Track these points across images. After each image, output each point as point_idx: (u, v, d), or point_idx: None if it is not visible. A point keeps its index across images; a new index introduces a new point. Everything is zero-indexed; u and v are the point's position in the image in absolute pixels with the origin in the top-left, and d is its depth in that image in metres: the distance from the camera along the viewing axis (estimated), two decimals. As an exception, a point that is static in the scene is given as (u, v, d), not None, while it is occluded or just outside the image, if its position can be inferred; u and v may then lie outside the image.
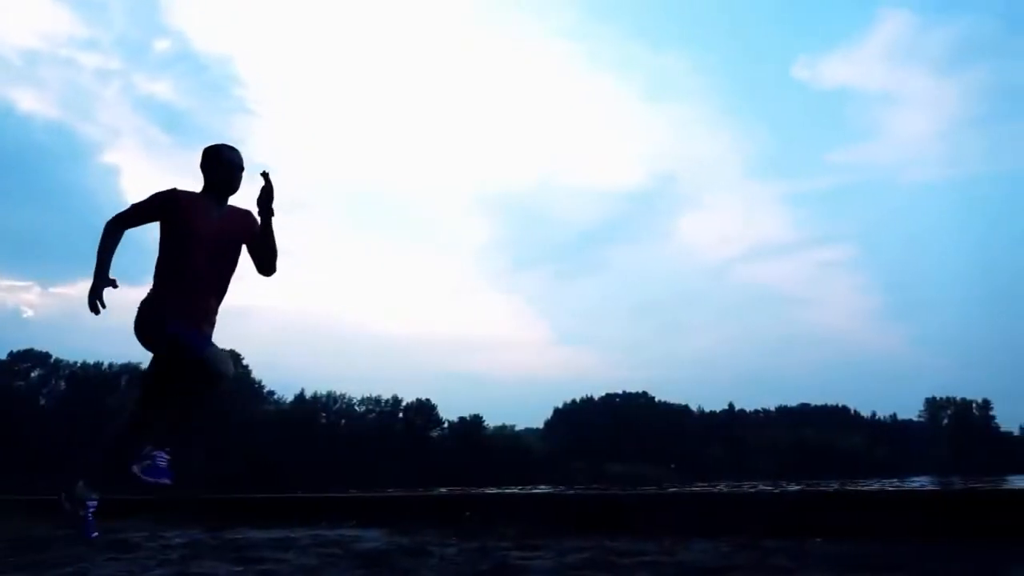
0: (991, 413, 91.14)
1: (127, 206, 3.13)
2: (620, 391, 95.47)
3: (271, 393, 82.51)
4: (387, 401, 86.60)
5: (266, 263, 3.29)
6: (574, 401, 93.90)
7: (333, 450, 71.86)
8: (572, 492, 4.34)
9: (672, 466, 77.24)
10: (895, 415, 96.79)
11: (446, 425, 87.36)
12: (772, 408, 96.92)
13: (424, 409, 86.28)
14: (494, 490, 14.13)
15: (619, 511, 2.91)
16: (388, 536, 3.14)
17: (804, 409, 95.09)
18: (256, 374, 75.36)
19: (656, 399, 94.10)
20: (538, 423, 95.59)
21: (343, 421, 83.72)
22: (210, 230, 3.17)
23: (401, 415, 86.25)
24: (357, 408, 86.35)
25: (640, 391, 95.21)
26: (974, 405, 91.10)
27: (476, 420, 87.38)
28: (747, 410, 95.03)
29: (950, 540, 2.35)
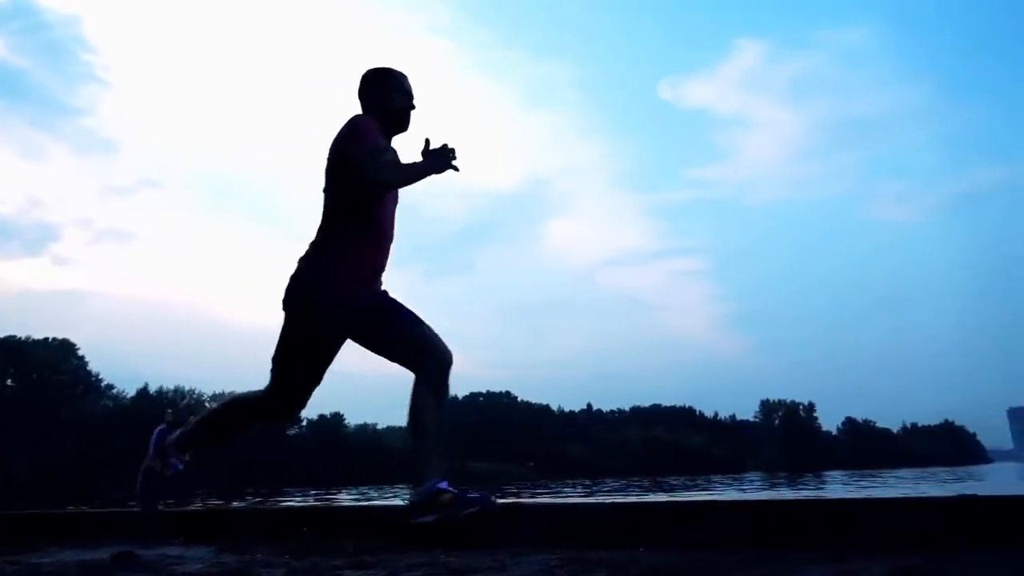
0: (815, 415, 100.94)
1: (366, 148, 2.29)
2: (484, 390, 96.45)
3: (109, 387, 76.01)
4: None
5: None
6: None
7: (179, 449, 67.33)
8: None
9: (531, 464, 79.08)
10: (734, 415, 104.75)
11: (304, 423, 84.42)
12: (627, 408, 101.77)
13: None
14: (337, 502, 13.78)
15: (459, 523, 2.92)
16: (215, 555, 2.97)
17: (656, 409, 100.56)
18: (93, 365, 68.74)
19: (519, 398, 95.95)
20: (401, 422, 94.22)
21: (192, 419, 78.47)
22: None
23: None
24: (208, 404, 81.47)
25: (504, 391, 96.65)
26: (801, 407, 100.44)
27: (336, 418, 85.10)
28: (604, 410, 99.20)
29: (764, 548, 2.50)
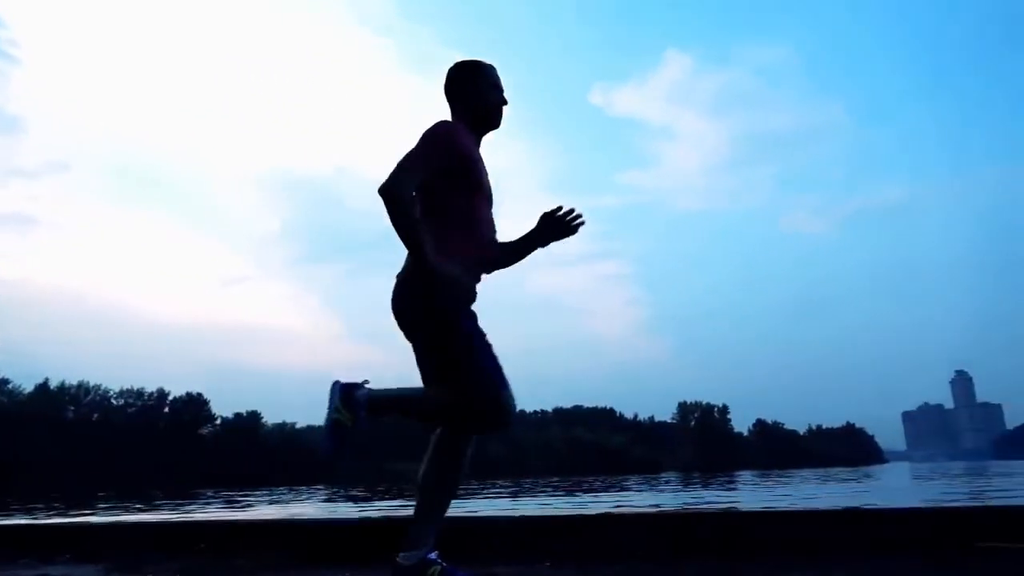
0: (728, 416, 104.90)
1: (410, 160, 2.13)
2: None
3: (5, 382, 71.44)
4: (151, 394, 78.74)
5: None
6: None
7: (83, 448, 63.71)
8: (317, 519, 4.19)
9: (454, 464, 78.96)
10: (653, 417, 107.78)
11: (219, 421, 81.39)
12: (549, 409, 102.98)
13: (194, 403, 79.63)
14: (251, 507, 13.34)
15: (363, 537, 2.84)
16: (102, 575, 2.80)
17: (577, 411, 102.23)
18: (-15, 359, 64.59)
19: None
20: (322, 420, 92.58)
21: (96, 416, 74.55)
22: (487, 179, 2.35)
23: (167, 409, 78.83)
24: (114, 401, 77.45)
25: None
26: (716, 409, 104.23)
27: (253, 416, 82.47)
28: (527, 411, 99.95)
29: (671, 560, 2.55)
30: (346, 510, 11.42)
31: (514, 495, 16.00)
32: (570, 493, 16.77)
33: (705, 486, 19.10)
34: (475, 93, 2.33)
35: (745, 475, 36.93)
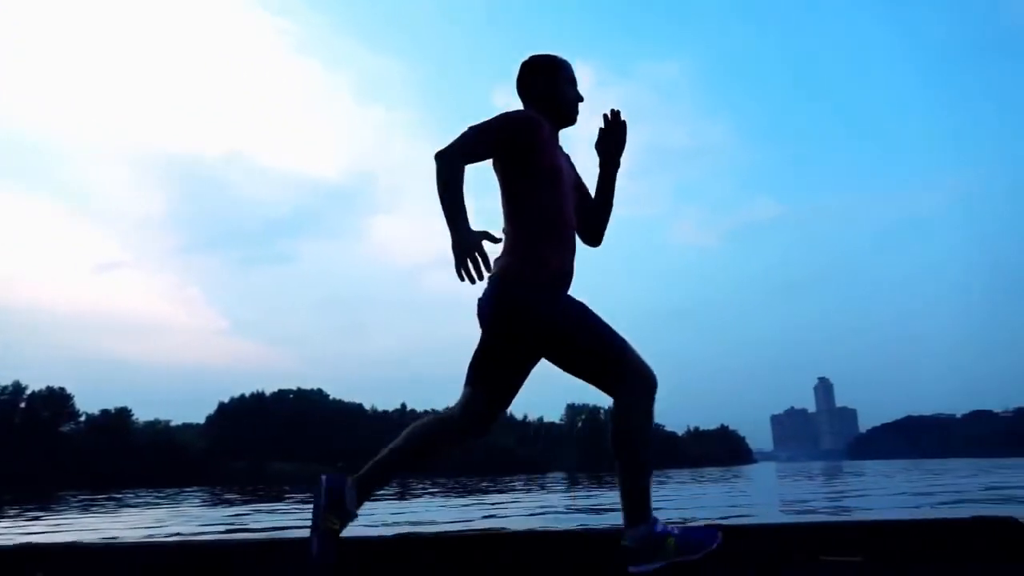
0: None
1: (469, 135, 2.02)
2: (295, 387, 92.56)
3: None
4: (5, 388, 71.96)
5: (599, 228, 2.38)
6: (243, 396, 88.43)
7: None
8: (163, 541, 3.97)
9: (340, 465, 77.03)
10: (542, 418, 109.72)
11: (83, 418, 75.54)
12: (440, 409, 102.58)
13: (55, 399, 73.51)
14: (120, 507, 12.50)
15: (211, 559, 2.65)
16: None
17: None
18: None
19: (331, 397, 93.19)
20: (199, 418, 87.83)
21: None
22: (567, 172, 2.24)
23: (23, 405, 72.28)
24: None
25: (316, 388, 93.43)
26: (602, 412, 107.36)
27: (123, 413, 77.14)
28: (418, 410, 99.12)
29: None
30: (215, 515, 10.95)
31: (400, 495, 15.89)
32: (448, 496, 16.83)
33: (588, 487, 19.69)
34: (553, 88, 2.24)
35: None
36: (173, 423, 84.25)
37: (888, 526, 2.21)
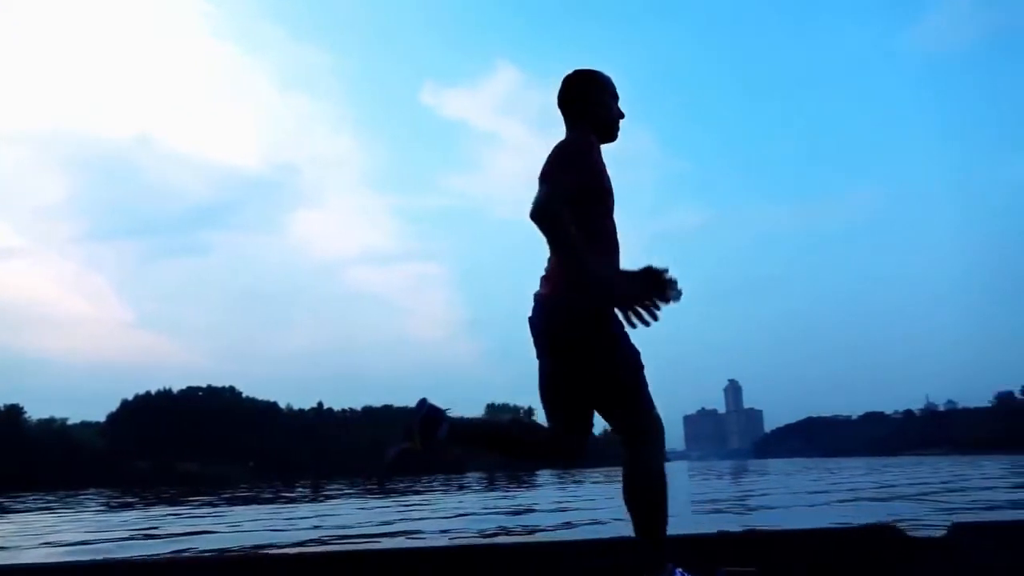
0: (534, 418, 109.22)
1: (550, 179, 1.94)
2: (205, 385, 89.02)
3: None
4: None
5: None
6: (148, 393, 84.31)
7: None
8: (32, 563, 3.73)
9: (251, 464, 74.60)
10: (462, 417, 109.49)
11: (-33, 416, 70.09)
12: (359, 408, 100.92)
13: (-64, 395, 67.91)
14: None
15: None
16: None
17: (388, 410, 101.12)
18: None
19: (244, 394, 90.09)
20: (99, 416, 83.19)
21: (481, 419, 60.22)
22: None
23: None
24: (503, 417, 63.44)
25: (227, 385, 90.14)
26: (523, 411, 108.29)
27: (13, 410, 72.17)
28: (335, 409, 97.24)
29: None
30: (115, 519, 10.44)
31: (313, 499, 15.55)
32: (363, 497, 16.59)
33: (505, 488, 19.81)
34: (598, 104, 2.20)
35: (545, 475, 38.81)
36: (71, 421, 79.42)
37: (781, 536, 2.33)
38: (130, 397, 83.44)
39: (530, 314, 2.12)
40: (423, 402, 2.14)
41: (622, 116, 2.24)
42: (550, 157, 2.04)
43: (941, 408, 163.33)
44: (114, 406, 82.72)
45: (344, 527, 7.44)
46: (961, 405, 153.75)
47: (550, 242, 1.94)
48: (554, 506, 10.14)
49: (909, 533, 2.26)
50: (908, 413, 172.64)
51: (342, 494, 18.00)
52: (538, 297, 2.09)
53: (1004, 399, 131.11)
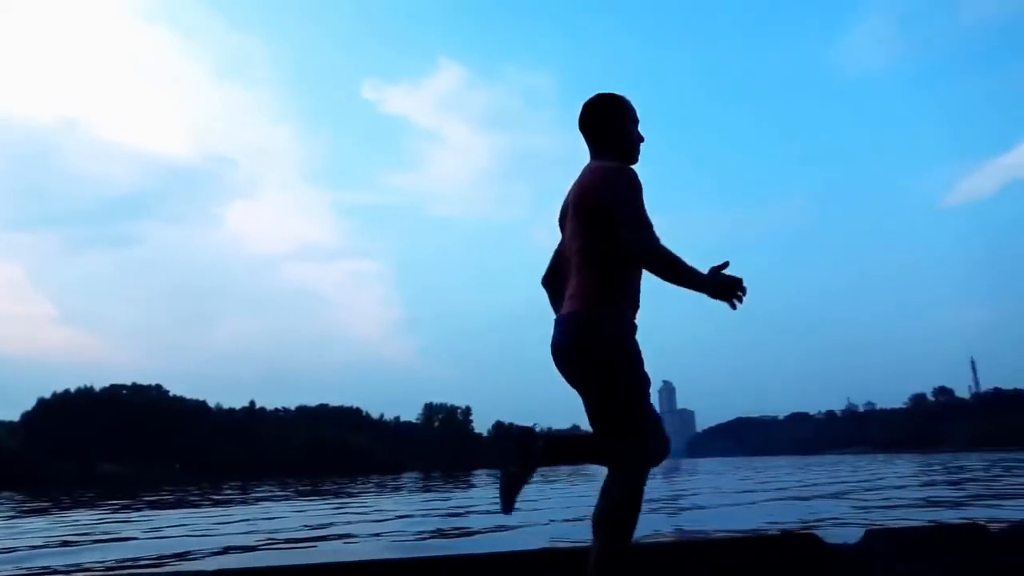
0: (471, 418, 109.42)
1: (643, 219, 2.02)
2: (129, 383, 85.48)
3: None
4: None
5: None
6: (68, 391, 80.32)
7: None
8: None
9: (177, 465, 71.99)
10: (399, 417, 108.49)
11: None
12: (292, 407, 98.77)
13: None
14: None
15: None
16: None
17: (323, 409, 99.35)
18: None
19: (171, 393, 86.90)
20: (13, 415, 78.88)
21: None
22: None
23: None
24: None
25: (154, 384, 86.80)
26: (459, 411, 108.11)
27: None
28: (267, 408, 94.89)
29: None
30: (29, 526, 9.91)
31: (243, 501, 15.14)
32: (294, 500, 16.28)
33: (442, 488, 19.75)
34: (623, 129, 2.25)
35: (482, 474, 38.85)
36: (-19, 421, 74.95)
37: (702, 544, 2.38)
38: (48, 395, 79.32)
39: (555, 339, 2.12)
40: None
41: (642, 140, 2.28)
42: (614, 190, 2.05)
43: (861, 409, 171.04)
44: (30, 405, 78.50)
45: (275, 531, 7.28)
46: (879, 406, 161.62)
47: (664, 275, 2.00)
48: (491, 506, 10.17)
49: (825, 540, 2.36)
50: (831, 414, 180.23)
51: (273, 496, 17.59)
52: (565, 315, 2.10)
53: (918, 401, 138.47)
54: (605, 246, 2.06)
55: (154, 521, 9.74)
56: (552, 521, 7.27)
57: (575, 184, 2.18)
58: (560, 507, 9.44)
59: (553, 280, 2.31)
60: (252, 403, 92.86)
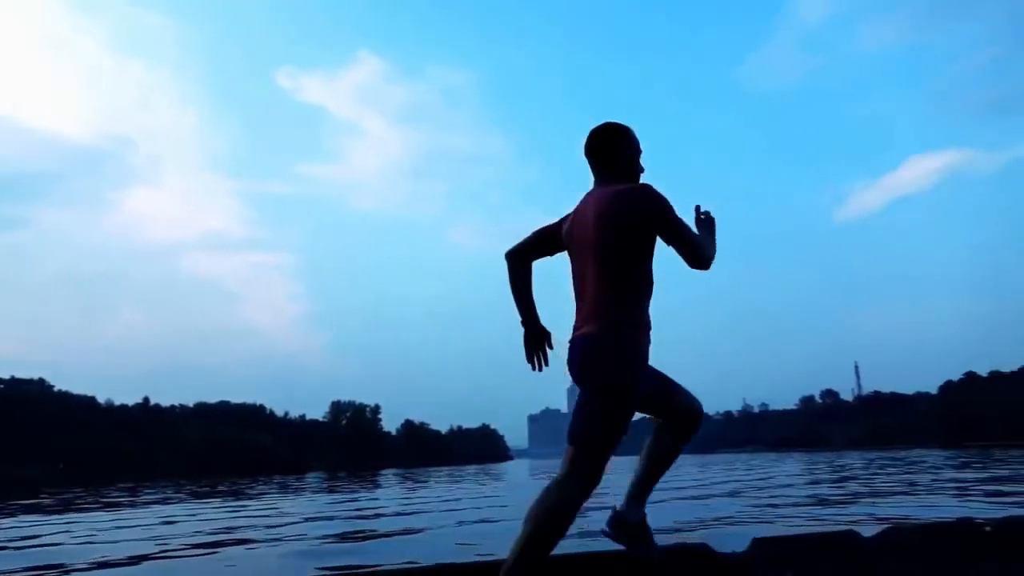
0: (379, 416, 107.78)
1: (689, 237, 2.22)
2: (8, 376, 79.20)
3: None
4: None
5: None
6: (-66, 385, 73.60)
7: None
8: None
9: (60, 465, 67.35)
10: (304, 415, 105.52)
11: None
12: (191, 404, 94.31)
13: None
14: None
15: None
16: None
17: (223, 407, 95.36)
18: None
19: (56, 388, 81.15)
20: None
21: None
22: None
23: None
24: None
25: (35, 377, 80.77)
26: (368, 409, 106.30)
27: None
28: (163, 405, 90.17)
29: None
30: None
31: (131, 503, 14.33)
32: (190, 500, 15.60)
33: (345, 488, 19.37)
34: (632, 158, 2.36)
35: (389, 474, 38.37)
36: None
37: (594, 558, 2.41)
38: (-90, 389, 72.38)
39: (571, 357, 2.23)
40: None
41: (643, 170, 2.40)
42: (658, 208, 2.17)
43: (756, 410, 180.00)
44: None
45: (165, 538, 6.91)
46: (772, 407, 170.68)
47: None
48: (401, 508, 10.05)
49: (716, 551, 2.47)
50: (728, 414, 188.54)
51: (166, 498, 16.74)
52: (583, 336, 2.18)
53: (807, 402, 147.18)
54: (632, 266, 2.18)
55: (27, 528, 9.01)
56: (463, 523, 7.28)
57: (597, 203, 2.22)
58: (470, 507, 9.47)
59: (520, 260, 2.42)
60: (146, 399, 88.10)
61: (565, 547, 2.18)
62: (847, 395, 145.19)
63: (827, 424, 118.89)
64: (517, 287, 2.43)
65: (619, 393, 2.11)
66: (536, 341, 2.42)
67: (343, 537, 6.43)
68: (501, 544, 2.12)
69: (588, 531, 2.55)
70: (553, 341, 2.42)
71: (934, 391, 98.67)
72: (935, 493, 8.81)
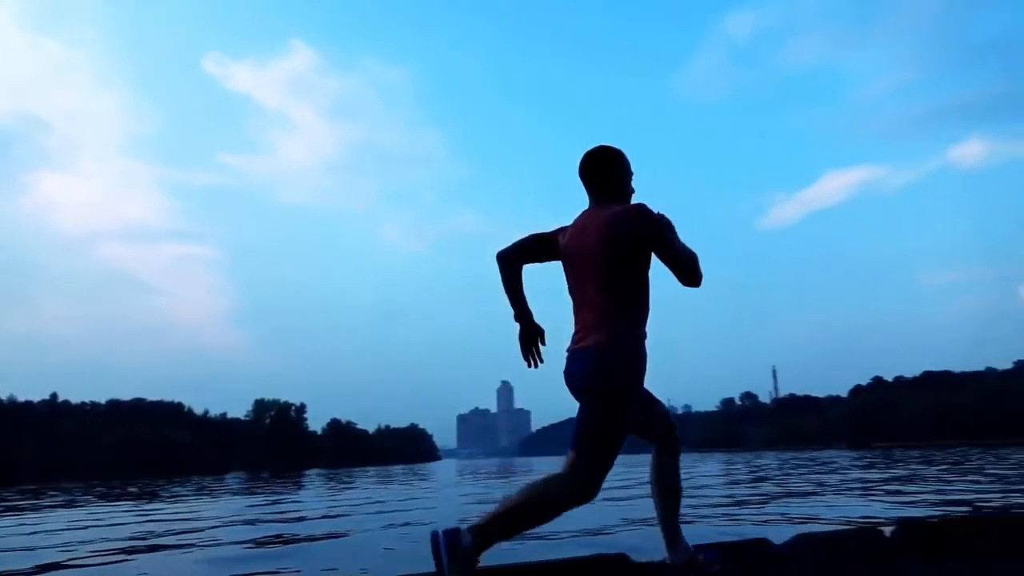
0: (305, 415, 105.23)
1: (686, 253, 2.28)
2: None
3: None
4: None
5: None
6: None
7: None
8: None
9: (-44, 467, 62.79)
10: (226, 413, 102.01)
11: None
12: (103, 401, 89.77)
13: None
14: None
15: None
16: None
17: (139, 404, 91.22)
18: None
19: (-49, 383, 75.75)
20: None
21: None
22: None
23: None
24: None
25: (-71, 372, 75.18)
26: (293, 408, 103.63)
27: None
28: (72, 402, 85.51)
29: None
30: None
31: (35, 507, 13.53)
32: (92, 504, 14.90)
33: (269, 488, 18.85)
34: (625, 180, 2.44)
35: (313, 474, 37.55)
36: None
37: (518, 569, 2.42)
38: None
39: (572, 368, 2.29)
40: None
41: (633, 192, 2.48)
42: (652, 222, 2.23)
43: (679, 411, 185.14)
44: None
45: (67, 546, 6.57)
46: (695, 409, 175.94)
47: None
48: (327, 510, 9.85)
49: (632, 559, 2.53)
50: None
51: (73, 502, 15.88)
52: (587, 347, 2.25)
53: (727, 404, 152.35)
54: (632, 281, 2.27)
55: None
56: (390, 526, 7.19)
57: (600, 223, 2.29)
58: (397, 510, 9.36)
59: (513, 262, 2.47)
60: (54, 395, 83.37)
61: (565, 550, 2.20)
62: (765, 398, 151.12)
63: (746, 425, 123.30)
64: (511, 287, 2.48)
65: (623, 395, 2.19)
66: (531, 339, 2.46)
67: (261, 543, 6.25)
68: (428, 551, 2.11)
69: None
70: (546, 338, 2.48)
71: (845, 394, 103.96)
72: (842, 493, 9.29)
